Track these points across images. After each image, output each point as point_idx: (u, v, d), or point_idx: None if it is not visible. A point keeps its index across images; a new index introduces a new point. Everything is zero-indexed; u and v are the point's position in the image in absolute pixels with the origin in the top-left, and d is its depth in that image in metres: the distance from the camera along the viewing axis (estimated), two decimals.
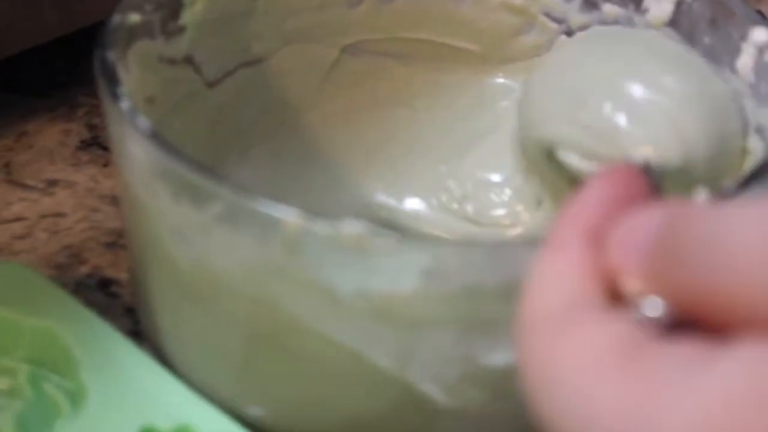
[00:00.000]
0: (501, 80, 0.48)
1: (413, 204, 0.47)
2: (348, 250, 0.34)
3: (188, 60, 0.43)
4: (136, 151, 0.36)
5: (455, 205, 0.46)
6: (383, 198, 0.46)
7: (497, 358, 0.34)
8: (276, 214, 0.33)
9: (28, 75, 0.53)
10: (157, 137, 0.35)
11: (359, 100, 0.47)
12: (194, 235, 0.36)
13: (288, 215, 0.33)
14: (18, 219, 0.47)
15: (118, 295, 0.43)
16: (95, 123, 0.51)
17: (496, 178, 0.46)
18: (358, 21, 0.46)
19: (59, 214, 0.47)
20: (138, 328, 0.41)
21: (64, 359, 0.39)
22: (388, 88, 0.47)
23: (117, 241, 0.46)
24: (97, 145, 0.50)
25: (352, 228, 0.33)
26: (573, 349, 0.25)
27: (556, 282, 0.27)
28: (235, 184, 0.35)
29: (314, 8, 0.46)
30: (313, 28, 0.46)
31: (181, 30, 0.42)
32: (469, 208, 0.46)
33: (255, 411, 0.37)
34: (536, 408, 0.26)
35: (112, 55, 0.38)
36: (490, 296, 0.33)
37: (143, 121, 0.35)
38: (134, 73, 0.39)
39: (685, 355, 0.23)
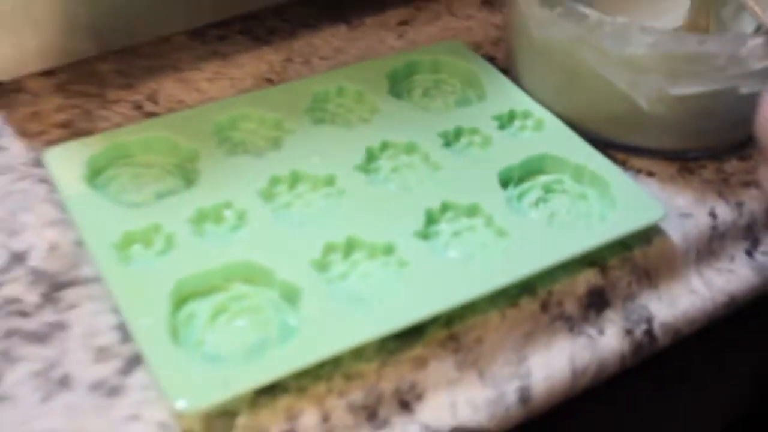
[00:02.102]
0: None
1: None
2: None
3: None
4: None
5: None
6: None
7: (678, 90, 0.38)
8: (583, 11, 0.37)
9: None
10: None
11: None
12: (544, 24, 0.40)
13: (590, 13, 0.37)
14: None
15: (496, 63, 0.45)
16: None
17: None
18: None
19: (468, 29, 0.49)
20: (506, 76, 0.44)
21: (478, 84, 0.44)
22: None
23: (500, 39, 0.49)
24: (489, 3, 0.51)
25: None
26: None
27: None
28: None
29: None
30: None
31: None
32: None
33: (560, 109, 0.42)
34: None
35: None
36: (685, 60, 0.37)
37: None
38: None
39: None
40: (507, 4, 0.43)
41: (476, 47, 0.47)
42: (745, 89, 0.38)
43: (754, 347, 0.50)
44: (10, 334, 0.32)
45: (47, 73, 0.43)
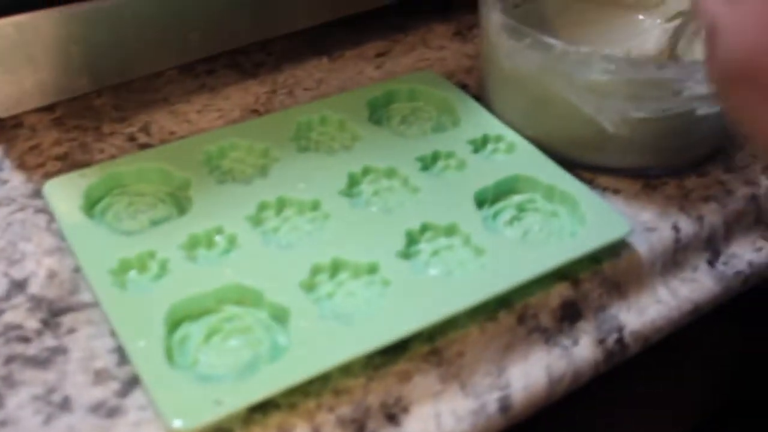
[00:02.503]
0: None
1: None
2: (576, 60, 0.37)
3: None
4: (495, 18, 0.41)
5: None
6: None
7: (640, 113, 0.38)
8: (549, 41, 0.37)
9: None
10: (505, 12, 0.40)
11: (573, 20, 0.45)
12: (513, 54, 0.40)
13: (556, 44, 0.36)
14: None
15: (469, 90, 0.45)
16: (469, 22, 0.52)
17: None
18: None
19: (442, 59, 0.49)
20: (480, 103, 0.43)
21: (452, 111, 0.44)
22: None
23: (471, 67, 0.48)
24: (460, 34, 0.51)
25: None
26: None
27: None
28: (533, 31, 0.38)
29: None
30: None
31: None
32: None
33: (530, 133, 0.41)
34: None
35: None
36: (645, 85, 0.37)
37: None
38: None
39: None
40: (478, 35, 0.45)
41: (449, 76, 0.47)
42: (700, 111, 0.38)
43: (718, 351, 0.50)
44: (12, 359, 0.32)
45: (45, 109, 0.43)
